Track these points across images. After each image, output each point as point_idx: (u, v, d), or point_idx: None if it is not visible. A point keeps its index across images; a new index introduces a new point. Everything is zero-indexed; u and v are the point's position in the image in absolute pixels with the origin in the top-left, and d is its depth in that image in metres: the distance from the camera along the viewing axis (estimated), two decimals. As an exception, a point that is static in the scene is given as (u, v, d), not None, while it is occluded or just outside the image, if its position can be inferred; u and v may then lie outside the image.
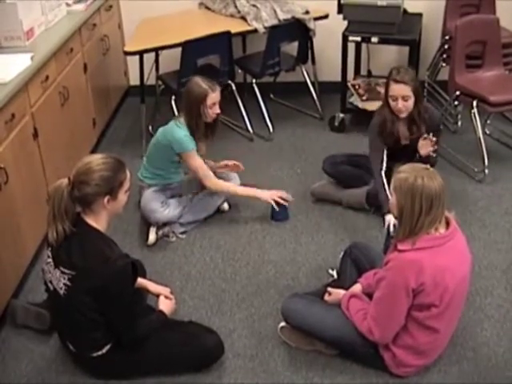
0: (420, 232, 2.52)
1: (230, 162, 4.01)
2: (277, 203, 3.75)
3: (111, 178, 2.57)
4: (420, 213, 2.50)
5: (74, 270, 2.53)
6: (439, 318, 2.59)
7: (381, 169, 3.68)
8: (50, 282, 2.64)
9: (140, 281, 2.98)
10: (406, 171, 2.57)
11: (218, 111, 3.71)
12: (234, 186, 3.86)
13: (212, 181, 3.75)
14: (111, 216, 2.69)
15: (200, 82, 3.64)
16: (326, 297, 2.92)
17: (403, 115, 3.58)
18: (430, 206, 2.49)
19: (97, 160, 2.59)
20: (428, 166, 2.65)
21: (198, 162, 3.71)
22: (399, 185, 2.56)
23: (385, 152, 3.70)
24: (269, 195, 3.78)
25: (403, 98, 3.51)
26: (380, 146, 3.71)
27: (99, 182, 2.54)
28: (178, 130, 3.65)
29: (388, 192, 3.46)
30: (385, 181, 3.63)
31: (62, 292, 2.58)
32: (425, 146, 3.52)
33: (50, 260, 2.64)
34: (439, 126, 3.78)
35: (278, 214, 3.85)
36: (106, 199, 2.57)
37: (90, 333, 2.64)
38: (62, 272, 2.56)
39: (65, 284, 2.56)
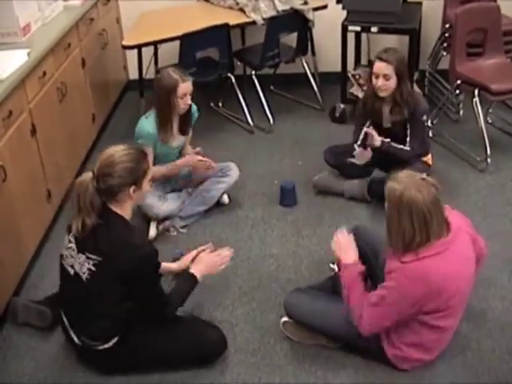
0: (418, 249, 2.44)
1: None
2: None
3: (135, 169, 2.61)
4: (413, 229, 2.41)
5: (101, 256, 2.56)
6: (445, 317, 2.56)
7: (355, 141, 3.80)
8: (72, 266, 2.65)
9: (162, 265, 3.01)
10: (398, 181, 2.47)
11: (189, 102, 3.61)
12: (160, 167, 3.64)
13: None
14: (135, 205, 2.74)
15: (171, 73, 3.55)
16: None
17: (383, 94, 3.62)
18: (424, 221, 2.41)
19: (119, 152, 2.61)
20: (424, 175, 2.57)
21: None
22: (388, 195, 2.48)
23: (364, 129, 3.74)
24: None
25: (384, 76, 3.55)
26: (359, 123, 3.83)
27: (123, 173, 2.57)
28: (143, 122, 3.63)
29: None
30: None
31: (84, 276, 2.60)
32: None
33: (71, 245, 2.65)
34: (423, 113, 3.74)
35: (286, 199, 3.92)
36: (131, 189, 2.61)
37: (103, 321, 2.64)
38: (88, 257, 2.58)
39: (89, 269, 2.58)
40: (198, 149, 3.78)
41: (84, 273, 2.60)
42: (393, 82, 3.56)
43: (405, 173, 2.54)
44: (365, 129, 3.69)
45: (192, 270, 2.87)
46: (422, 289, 2.44)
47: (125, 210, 2.66)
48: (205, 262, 2.94)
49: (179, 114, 3.65)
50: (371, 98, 3.71)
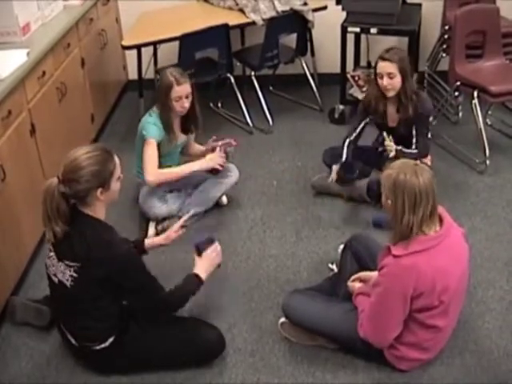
0: (411, 234, 2.45)
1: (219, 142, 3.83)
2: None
3: (101, 172, 2.53)
4: (403, 211, 2.43)
5: (79, 262, 2.53)
6: (440, 316, 2.56)
7: (347, 136, 3.85)
8: (55, 275, 2.64)
9: (147, 242, 3.08)
10: (393, 168, 2.51)
11: (186, 105, 3.54)
12: (174, 169, 3.65)
13: (151, 176, 3.53)
14: (107, 205, 2.67)
15: (168, 74, 3.50)
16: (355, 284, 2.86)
17: (390, 94, 3.61)
18: (413, 203, 2.42)
19: (83, 155, 2.52)
20: (417, 161, 2.59)
21: (149, 154, 3.54)
22: (384, 182, 2.51)
23: (360, 126, 3.84)
24: (209, 160, 3.65)
25: (388, 75, 3.54)
26: (358, 120, 3.86)
27: (89, 177, 2.50)
28: (147, 117, 3.63)
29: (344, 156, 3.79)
30: (346, 148, 3.82)
31: (68, 284, 2.58)
32: (389, 149, 3.63)
33: (52, 254, 2.63)
34: (429, 114, 3.79)
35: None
36: (99, 191, 2.55)
37: (96, 323, 2.64)
38: (67, 265, 2.56)
39: (71, 276, 2.56)
40: (214, 139, 3.83)
41: (67, 280, 2.57)
42: (398, 81, 3.55)
43: (399, 161, 2.59)
44: (387, 142, 3.63)
45: (196, 271, 2.80)
46: (413, 283, 2.44)
47: (97, 211, 2.60)
48: (202, 266, 2.83)
49: (178, 115, 3.62)
50: (376, 99, 3.70)
